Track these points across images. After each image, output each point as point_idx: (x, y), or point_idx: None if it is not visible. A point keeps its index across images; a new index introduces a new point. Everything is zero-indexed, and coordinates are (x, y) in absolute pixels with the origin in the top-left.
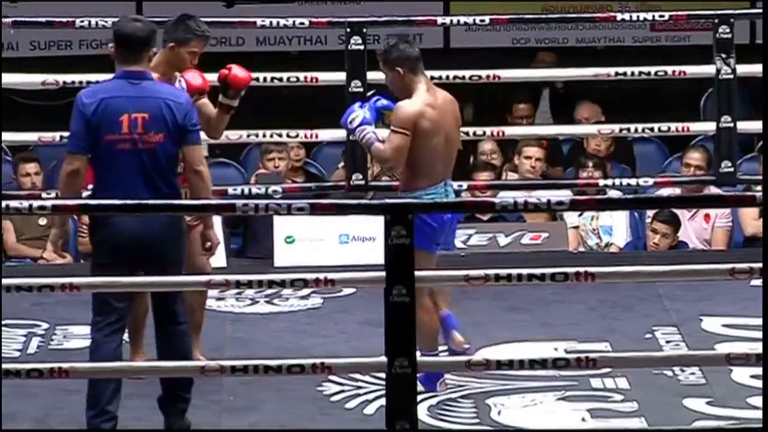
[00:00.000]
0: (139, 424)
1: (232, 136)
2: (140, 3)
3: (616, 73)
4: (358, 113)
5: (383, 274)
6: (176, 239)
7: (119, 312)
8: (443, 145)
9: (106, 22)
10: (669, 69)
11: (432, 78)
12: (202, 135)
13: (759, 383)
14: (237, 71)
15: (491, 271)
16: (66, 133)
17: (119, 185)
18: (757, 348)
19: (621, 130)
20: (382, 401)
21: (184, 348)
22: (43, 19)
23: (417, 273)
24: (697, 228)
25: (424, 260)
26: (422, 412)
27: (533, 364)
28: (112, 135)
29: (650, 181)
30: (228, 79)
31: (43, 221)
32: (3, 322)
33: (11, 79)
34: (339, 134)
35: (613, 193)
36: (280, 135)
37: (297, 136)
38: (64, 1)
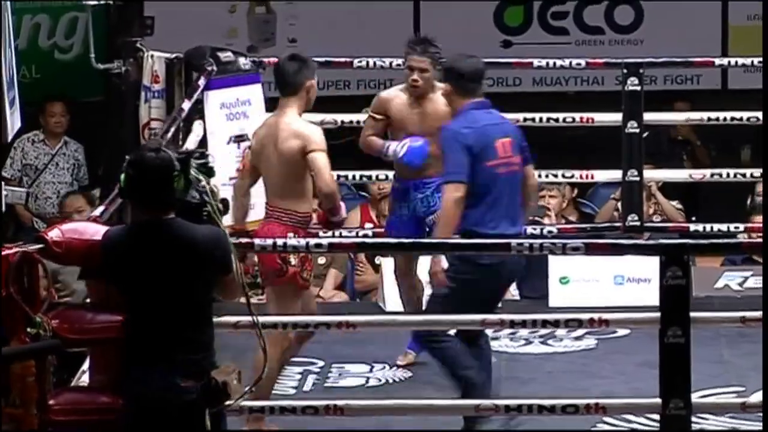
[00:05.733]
0: None
1: None
2: None
3: None
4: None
5: (658, 315)
6: None
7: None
8: None
9: (383, 62)
10: None
11: (710, 119)
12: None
13: None
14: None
15: None
16: (343, 172)
17: (499, 208)
18: None
19: None
20: None
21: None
22: (322, 59)
23: (693, 314)
24: None
25: None
26: None
27: None
28: (490, 161)
29: None
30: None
31: (321, 260)
32: None
33: None
34: (614, 175)
35: None
36: (555, 175)
37: (572, 176)
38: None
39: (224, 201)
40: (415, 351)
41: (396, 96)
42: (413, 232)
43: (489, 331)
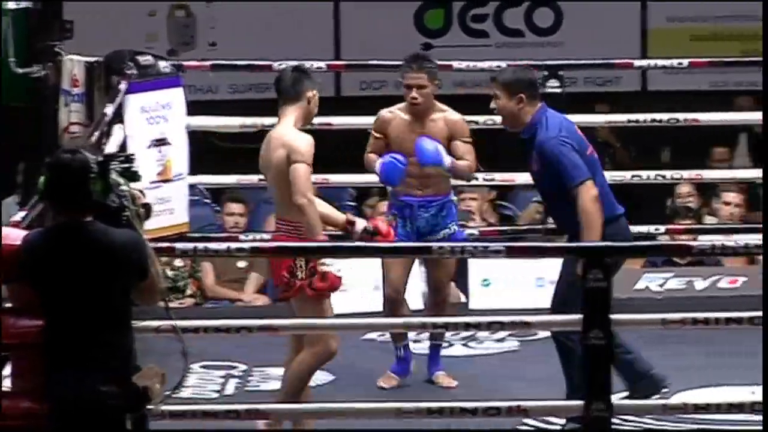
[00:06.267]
0: None
1: None
2: (338, 45)
3: None
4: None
5: (580, 317)
6: None
7: None
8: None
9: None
10: None
11: (629, 121)
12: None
13: None
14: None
15: (688, 315)
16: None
17: (604, 188)
18: None
19: None
20: None
21: None
22: (242, 63)
23: (613, 316)
24: None
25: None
26: None
27: (730, 408)
28: (587, 150)
29: None
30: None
31: (242, 264)
32: (201, 363)
33: (211, 122)
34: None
35: None
36: (476, 178)
37: (492, 179)
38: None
39: (146, 206)
40: (400, 375)
41: (396, 116)
42: None
43: (412, 335)
